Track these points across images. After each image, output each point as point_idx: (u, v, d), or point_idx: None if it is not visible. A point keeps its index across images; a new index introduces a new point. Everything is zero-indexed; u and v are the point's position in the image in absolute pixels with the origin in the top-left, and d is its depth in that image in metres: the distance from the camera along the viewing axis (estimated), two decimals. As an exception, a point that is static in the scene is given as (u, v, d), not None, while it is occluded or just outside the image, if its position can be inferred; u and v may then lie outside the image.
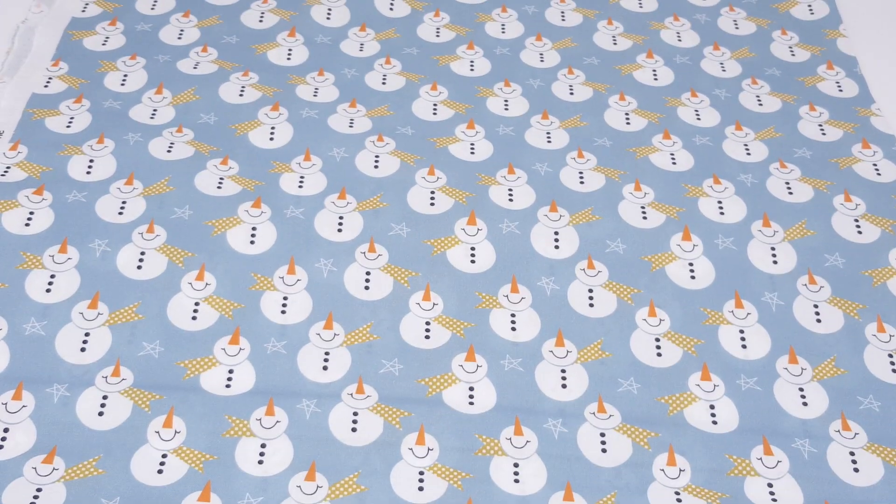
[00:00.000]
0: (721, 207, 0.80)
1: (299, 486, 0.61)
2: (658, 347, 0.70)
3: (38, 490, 0.60)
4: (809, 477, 0.63)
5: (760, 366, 0.69)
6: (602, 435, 0.65)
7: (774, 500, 0.62)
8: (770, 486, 0.63)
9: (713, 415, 0.67)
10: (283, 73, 0.90)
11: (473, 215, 0.78)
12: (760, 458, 0.64)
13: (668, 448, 0.64)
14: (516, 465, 0.63)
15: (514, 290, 0.73)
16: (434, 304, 0.72)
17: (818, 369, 0.69)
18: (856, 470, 0.64)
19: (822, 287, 0.74)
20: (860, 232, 0.79)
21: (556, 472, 0.63)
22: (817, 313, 0.73)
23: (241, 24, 0.95)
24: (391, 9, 0.99)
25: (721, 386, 0.68)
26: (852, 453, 0.65)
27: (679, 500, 0.62)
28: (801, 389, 0.68)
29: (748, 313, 0.72)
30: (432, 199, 0.79)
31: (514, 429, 0.65)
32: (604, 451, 0.64)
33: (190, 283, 0.72)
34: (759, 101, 0.90)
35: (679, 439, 0.65)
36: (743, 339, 0.71)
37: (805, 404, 0.67)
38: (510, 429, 0.65)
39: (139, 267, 0.72)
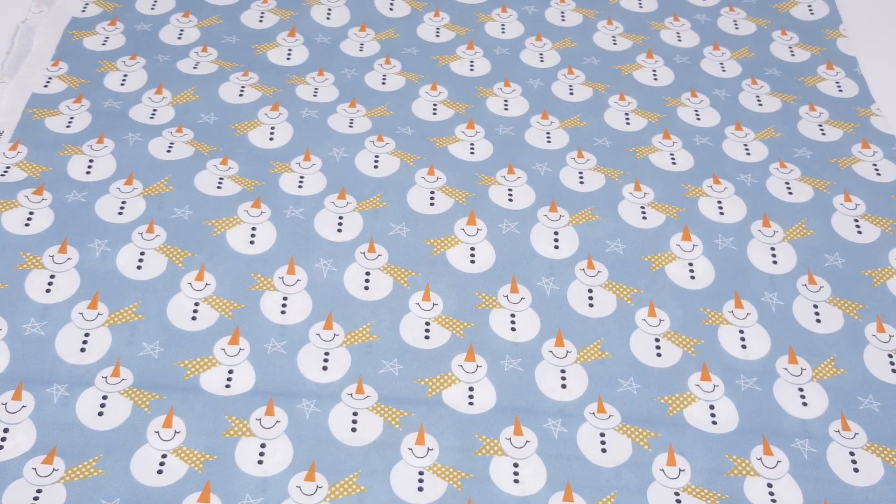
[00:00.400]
0: (721, 207, 0.80)
1: (299, 487, 0.61)
2: (658, 347, 0.70)
3: (39, 491, 0.60)
4: (809, 477, 0.63)
5: (760, 366, 0.69)
6: (602, 435, 0.65)
7: (774, 500, 0.62)
8: (770, 486, 0.63)
9: (713, 415, 0.67)
10: (283, 73, 0.90)
11: (473, 215, 0.78)
12: (760, 458, 0.64)
13: (668, 448, 0.64)
14: (516, 465, 0.63)
15: (514, 290, 0.73)
16: (434, 304, 0.72)
17: (818, 369, 0.69)
18: (856, 470, 0.64)
19: (821, 287, 0.74)
20: (860, 232, 0.79)
21: (556, 472, 0.63)
22: (817, 313, 0.73)
23: (241, 24, 0.95)
24: (391, 9, 0.99)
25: (721, 386, 0.68)
26: (852, 453, 0.65)
27: (679, 501, 0.62)
28: (801, 389, 0.68)
29: (748, 313, 0.72)
30: (432, 199, 0.79)
31: (514, 429, 0.65)
32: (603, 451, 0.64)
33: (190, 284, 0.72)
34: (758, 101, 0.90)
35: (679, 439, 0.65)
36: (743, 339, 0.71)
37: (805, 404, 0.67)
38: (510, 429, 0.65)
39: (139, 267, 0.72)
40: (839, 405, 0.67)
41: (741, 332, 0.71)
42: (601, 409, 0.66)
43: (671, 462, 0.64)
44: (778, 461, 0.64)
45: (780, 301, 0.73)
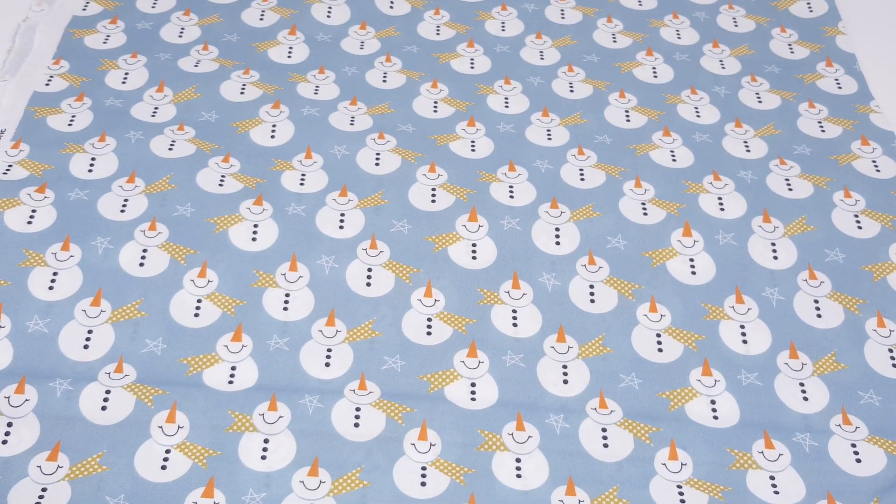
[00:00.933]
0: (721, 204, 0.80)
1: (302, 482, 0.61)
2: (659, 343, 0.70)
3: (44, 490, 0.60)
4: (811, 469, 0.64)
5: (761, 361, 0.70)
6: (604, 430, 0.65)
7: (777, 492, 0.63)
8: (772, 478, 0.63)
9: (714, 410, 0.67)
10: (284, 71, 0.90)
11: (475, 212, 0.78)
12: (762, 452, 0.64)
13: (670, 442, 0.65)
14: (518, 461, 0.63)
15: (516, 286, 0.73)
16: (436, 300, 0.72)
17: (819, 364, 0.70)
18: (858, 461, 0.64)
19: (822, 282, 0.75)
20: (860, 227, 0.79)
21: (558, 466, 0.63)
22: (818, 308, 0.73)
23: (242, 23, 0.95)
24: (391, 7, 0.99)
25: (722, 381, 0.68)
26: (854, 445, 0.65)
27: (681, 494, 0.62)
28: (802, 384, 0.68)
29: (749, 308, 0.73)
30: (433, 196, 0.79)
31: (516, 424, 0.65)
32: (605, 445, 0.64)
33: (192, 281, 0.72)
34: (758, 98, 0.90)
35: (680, 434, 0.65)
36: (744, 334, 0.71)
37: (806, 399, 0.68)
38: (512, 424, 0.65)
39: (141, 264, 0.72)
40: (840, 399, 0.68)
41: (742, 327, 0.71)
42: (603, 405, 0.67)
43: (673, 456, 0.64)
44: (780, 454, 0.64)
45: (781, 296, 0.73)
